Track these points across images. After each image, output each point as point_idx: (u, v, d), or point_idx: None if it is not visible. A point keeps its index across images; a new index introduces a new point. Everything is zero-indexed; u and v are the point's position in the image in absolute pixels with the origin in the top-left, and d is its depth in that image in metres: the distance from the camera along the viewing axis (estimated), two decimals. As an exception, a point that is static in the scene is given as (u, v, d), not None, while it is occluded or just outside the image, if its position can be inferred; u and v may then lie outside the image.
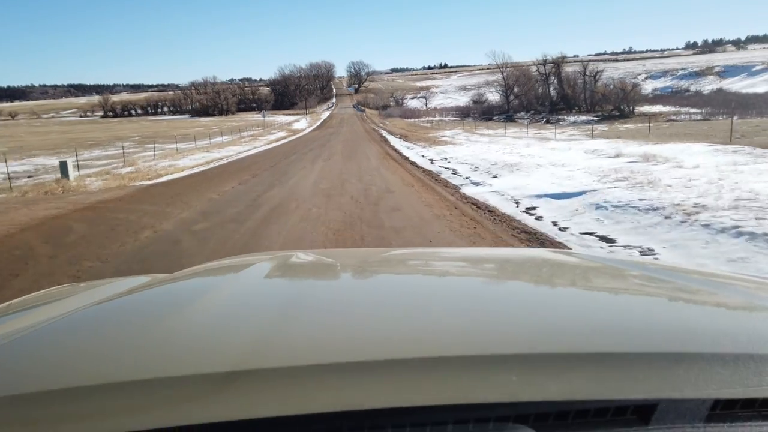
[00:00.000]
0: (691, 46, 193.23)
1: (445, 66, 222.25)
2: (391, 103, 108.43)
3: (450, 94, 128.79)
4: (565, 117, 60.91)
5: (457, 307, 0.91)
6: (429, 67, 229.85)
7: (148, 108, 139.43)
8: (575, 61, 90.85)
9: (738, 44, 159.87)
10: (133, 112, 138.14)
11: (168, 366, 0.63)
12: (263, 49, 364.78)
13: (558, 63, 71.90)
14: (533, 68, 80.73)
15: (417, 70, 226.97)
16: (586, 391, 0.56)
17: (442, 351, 0.64)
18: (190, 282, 1.26)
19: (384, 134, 37.42)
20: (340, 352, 0.66)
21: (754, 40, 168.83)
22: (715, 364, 0.60)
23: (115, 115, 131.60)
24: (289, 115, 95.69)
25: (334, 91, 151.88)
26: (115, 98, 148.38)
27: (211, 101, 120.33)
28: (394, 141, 28.42)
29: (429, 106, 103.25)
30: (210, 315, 0.85)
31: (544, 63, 76.62)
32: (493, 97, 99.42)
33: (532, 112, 74.13)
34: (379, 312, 0.87)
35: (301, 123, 65.18)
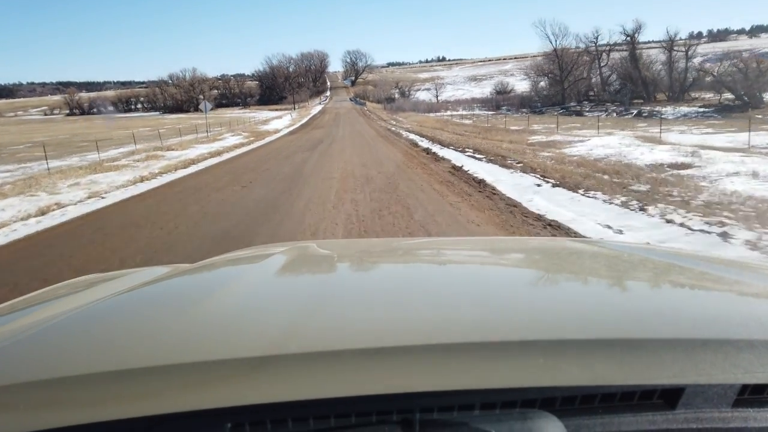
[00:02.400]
0: (696, 36, 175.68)
1: (443, 59, 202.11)
2: (396, 95, 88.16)
3: (459, 85, 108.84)
4: (657, 108, 40.60)
5: (481, 294, 0.88)
6: (427, 61, 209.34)
7: (119, 105, 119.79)
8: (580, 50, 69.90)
9: (750, 33, 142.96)
10: (102, 109, 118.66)
11: (201, 351, 0.62)
12: (256, 45, 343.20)
13: (632, 36, 51.12)
14: (569, 50, 60.41)
15: (414, 64, 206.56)
16: (611, 376, 0.55)
17: (467, 337, 0.63)
18: (214, 272, 1.24)
19: (426, 145, 16.75)
20: (367, 338, 0.65)
21: (759, 29, 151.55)
22: (744, 349, 0.58)
23: (82, 113, 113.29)
24: (275, 110, 76.25)
25: (329, 83, 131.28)
26: (84, 95, 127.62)
27: (186, 95, 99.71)
28: (512, 180, 8.20)
29: (440, 98, 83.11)
30: (238, 303, 0.84)
31: (595, 44, 56.24)
32: (520, 85, 79.61)
33: (589, 102, 54.20)
34: (405, 300, 0.85)
35: (283, 120, 45.23)
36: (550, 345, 0.60)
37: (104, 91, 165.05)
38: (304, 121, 45.15)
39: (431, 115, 47.95)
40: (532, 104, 58.25)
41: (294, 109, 75.22)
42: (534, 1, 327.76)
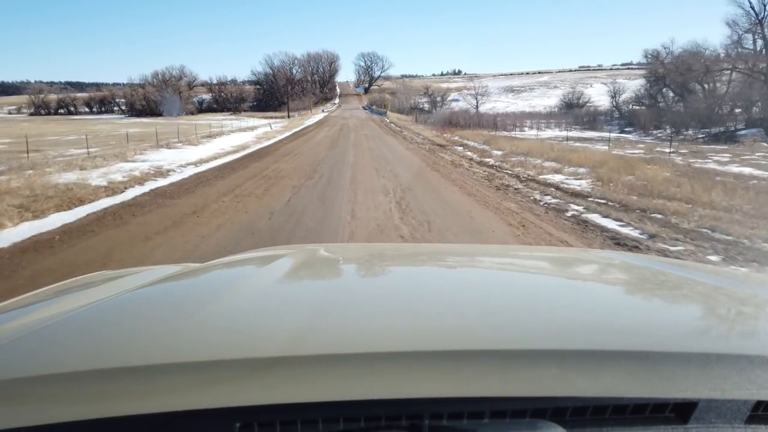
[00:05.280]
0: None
1: (459, 72, 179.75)
2: (425, 105, 65.13)
3: (494, 96, 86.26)
4: None
5: (494, 302, 0.86)
6: (442, 74, 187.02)
7: (93, 105, 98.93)
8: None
9: None
10: (71, 109, 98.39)
11: (211, 350, 0.61)
12: (262, 55, 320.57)
13: None
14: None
15: (428, 77, 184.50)
16: (623, 388, 0.53)
17: (479, 344, 0.62)
18: (224, 272, 1.20)
19: None
20: (378, 343, 0.63)
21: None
22: (759, 364, 0.56)
23: (48, 113, 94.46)
24: (266, 117, 54.25)
25: (338, 90, 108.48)
26: (52, 96, 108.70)
27: (159, 96, 77.64)
28: None
29: (479, 109, 60.15)
30: (249, 304, 0.82)
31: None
32: (599, 98, 56.71)
33: (741, 124, 30.72)
34: (417, 305, 0.82)
35: (244, 135, 22.25)
36: (563, 355, 0.58)
37: (104, 90, 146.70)
38: (279, 138, 22.02)
39: (521, 134, 24.58)
40: (659, 125, 35.00)
41: (288, 117, 53.05)
42: (564, 15, 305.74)
